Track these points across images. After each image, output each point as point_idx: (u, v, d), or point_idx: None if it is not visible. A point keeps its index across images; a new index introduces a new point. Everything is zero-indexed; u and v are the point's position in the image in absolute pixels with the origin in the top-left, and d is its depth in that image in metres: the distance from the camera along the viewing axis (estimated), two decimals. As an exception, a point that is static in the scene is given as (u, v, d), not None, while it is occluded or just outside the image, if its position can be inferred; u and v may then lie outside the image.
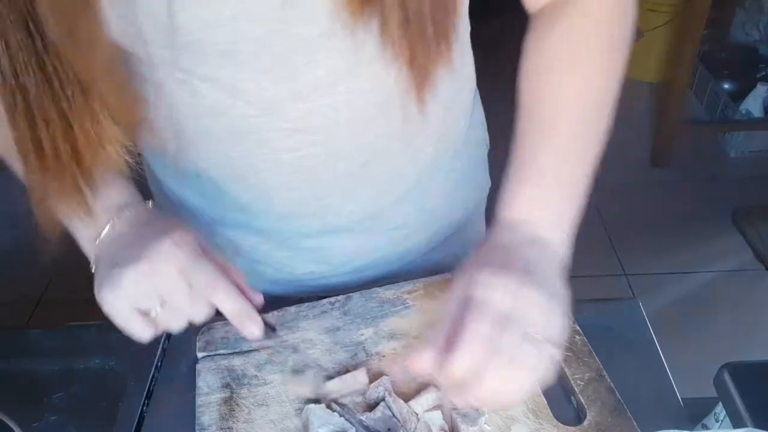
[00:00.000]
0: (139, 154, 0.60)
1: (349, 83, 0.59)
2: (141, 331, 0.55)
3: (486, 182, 0.85)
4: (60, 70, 0.49)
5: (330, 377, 0.62)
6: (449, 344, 0.49)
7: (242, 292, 0.57)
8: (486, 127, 0.84)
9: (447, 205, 0.78)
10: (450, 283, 0.54)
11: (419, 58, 0.53)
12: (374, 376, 0.62)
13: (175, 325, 0.56)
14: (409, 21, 0.50)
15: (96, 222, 0.58)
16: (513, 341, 0.48)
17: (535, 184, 0.57)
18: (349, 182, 0.68)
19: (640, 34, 2.89)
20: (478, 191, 0.84)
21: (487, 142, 0.84)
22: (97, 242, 0.57)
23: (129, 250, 0.55)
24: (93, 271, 0.58)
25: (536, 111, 0.60)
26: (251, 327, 0.57)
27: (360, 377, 0.60)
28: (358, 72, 0.58)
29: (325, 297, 0.71)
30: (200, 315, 0.55)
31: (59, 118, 0.51)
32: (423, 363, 0.50)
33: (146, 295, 0.54)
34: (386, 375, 0.61)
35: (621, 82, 0.61)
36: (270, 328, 0.59)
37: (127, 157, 0.56)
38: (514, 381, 0.49)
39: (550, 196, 0.57)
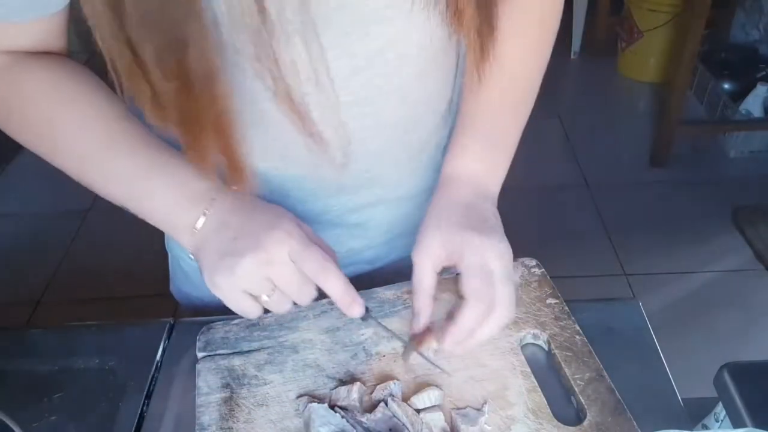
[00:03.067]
0: None
1: (396, 50, 0.61)
2: (251, 312, 0.59)
3: None
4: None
5: (330, 377, 0.62)
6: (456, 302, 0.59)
7: None
8: None
9: None
10: (417, 245, 0.62)
11: (483, 25, 0.58)
12: (374, 377, 0.62)
13: (282, 308, 0.60)
14: None
15: (187, 209, 0.59)
16: (506, 292, 0.58)
17: (482, 146, 0.66)
18: (393, 151, 0.71)
19: (640, 34, 2.89)
20: None
21: None
22: (195, 231, 0.59)
23: (240, 239, 0.58)
24: (193, 258, 0.61)
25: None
26: (356, 308, 0.60)
27: (353, 393, 0.60)
28: (407, 38, 0.61)
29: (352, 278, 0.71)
30: (307, 299, 0.59)
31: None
32: (419, 326, 0.62)
33: (260, 282, 0.57)
34: (396, 380, 0.61)
35: (549, 53, 0.70)
36: (367, 310, 0.62)
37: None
38: (508, 316, 0.59)
39: (492, 156, 0.67)
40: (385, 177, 0.73)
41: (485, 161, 0.66)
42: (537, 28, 0.69)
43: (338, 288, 0.58)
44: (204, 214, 0.59)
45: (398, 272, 0.74)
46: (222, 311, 0.62)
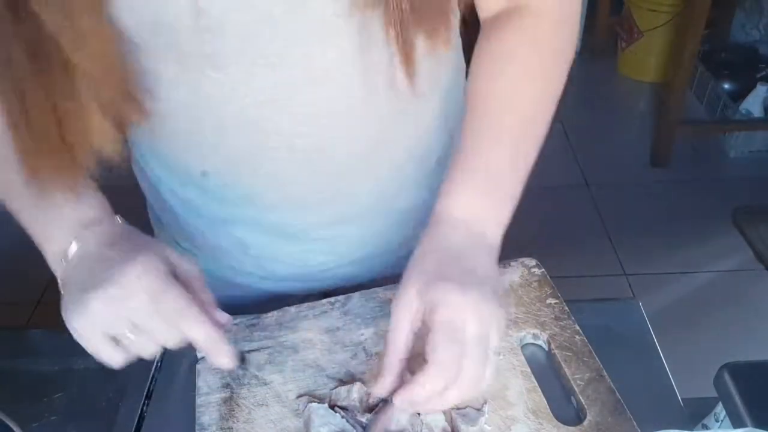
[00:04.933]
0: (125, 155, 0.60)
1: (360, 63, 0.59)
2: (111, 358, 0.54)
3: None
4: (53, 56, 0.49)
5: (330, 377, 0.62)
6: (414, 361, 0.53)
7: (210, 315, 0.56)
8: None
9: None
10: (398, 290, 0.55)
11: (420, 34, 0.55)
12: (374, 377, 0.62)
13: (147, 350, 0.55)
14: None
15: (62, 237, 0.56)
16: (478, 360, 0.51)
17: (477, 184, 0.59)
18: (362, 165, 0.68)
19: (640, 34, 2.89)
20: None
21: None
22: (64, 261, 0.56)
23: (97, 273, 0.53)
24: (62, 292, 0.56)
25: (482, 114, 0.61)
26: (221, 358, 0.56)
27: (353, 393, 0.60)
28: (368, 51, 0.58)
29: (332, 290, 0.71)
30: (172, 341, 0.54)
31: (46, 99, 0.51)
32: (384, 389, 0.54)
33: (116, 320, 0.52)
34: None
35: (562, 88, 0.63)
36: (239, 358, 0.59)
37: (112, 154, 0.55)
38: (474, 388, 0.52)
39: (489, 196, 0.59)
40: (352, 195, 0.70)
41: (481, 202, 0.58)
42: (546, 60, 0.63)
43: (196, 334, 0.53)
44: (74, 243, 0.55)
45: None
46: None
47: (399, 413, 0.56)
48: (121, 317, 0.52)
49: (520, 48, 0.62)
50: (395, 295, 0.54)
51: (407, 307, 0.53)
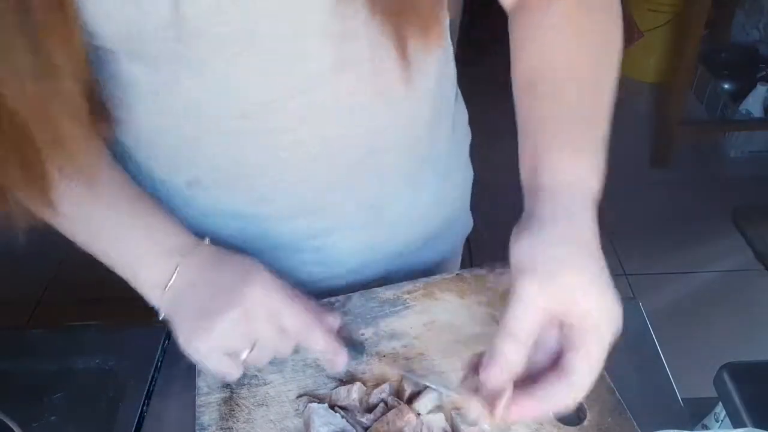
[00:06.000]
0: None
1: (347, 71, 0.58)
2: (232, 373, 0.57)
3: (470, 174, 0.85)
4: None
5: (330, 377, 0.62)
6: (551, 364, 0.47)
7: (323, 319, 0.59)
8: (467, 119, 0.83)
9: (439, 195, 0.78)
10: (499, 275, 0.56)
11: (407, 37, 0.53)
12: (374, 377, 0.62)
13: (263, 362, 0.59)
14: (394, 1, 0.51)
15: (161, 265, 0.57)
16: (599, 366, 0.46)
17: (568, 149, 0.53)
18: (352, 175, 0.67)
19: (640, 34, 2.89)
20: (464, 183, 0.84)
21: (470, 134, 0.84)
22: (167, 289, 0.57)
23: (215, 297, 0.56)
24: (162, 317, 0.58)
25: (547, 86, 0.56)
26: (338, 365, 0.59)
27: (353, 393, 0.60)
28: (355, 59, 0.57)
29: (324, 298, 0.71)
30: (288, 352, 0.58)
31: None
32: (499, 377, 0.46)
33: (240, 340, 0.55)
34: (389, 381, 0.61)
35: (620, 50, 0.58)
36: (358, 351, 0.62)
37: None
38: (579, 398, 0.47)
39: (584, 156, 0.53)
40: (345, 203, 0.70)
41: (580, 162, 0.52)
42: (603, 20, 0.58)
43: (319, 346, 0.57)
44: (175, 271, 0.57)
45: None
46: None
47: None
48: (245, 337, 0.55)
49: (560, 20, 0.57)
50: (511, 296, 0.47)
51: (534, 309, 0.46)
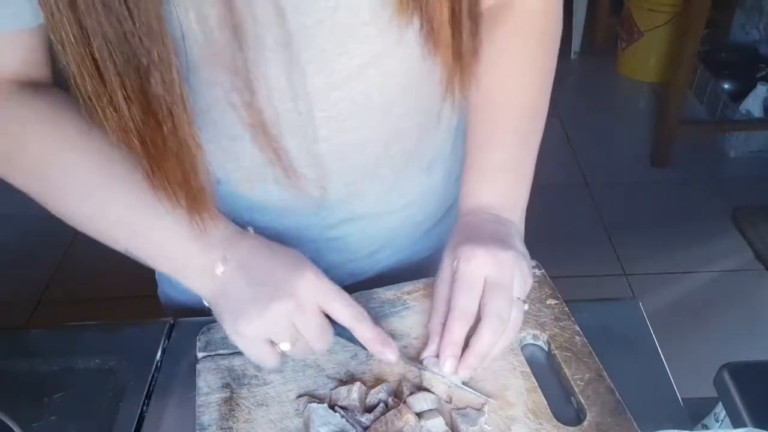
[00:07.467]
0: None
1: (379, 67, 0.60)
2: (271, 360, 0.59)
3: None
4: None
5: (330, 377, 0.62)
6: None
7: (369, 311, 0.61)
8: None
9: (448, 177, 0.80)
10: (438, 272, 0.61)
11: (464, 44, 0.58)
12: (374, 377, 0.62)
13: (303, 354, 0.61)
14: (452, 12, 0.55)
15: (210, 253, 0.58)
16: (502, 304, 0.57)
17: (492, 176, 0.65)
18: (373, 165, 0.69)
19: (640, 34, 2.89)
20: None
21: None
22: (218, 274, 0.58)
23: (267, 285, 0.57)
24: (207, 303, 0.60)
25: (486, 109, 0.66)
26: (388, 354, 0.60)
27: (353, 393, 0.60)
28: (389, 55, 0.60)
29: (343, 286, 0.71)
30: (326, 345, 0.60)
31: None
32: (431, 351, 0.59)
33: (286, 328, 0.57)
34: (387, 382, 0.61)
35: (553, 74, 0.69)
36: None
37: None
38: (505, 336, 0.58)
39: (505, 184, 0.66)
40: (366, 192, 0.72)
41: (505, 191, 0.65)
42: (535, 49, 0.67)
43: (368, 334, 0.59)
44: (224, 260, 0.58)
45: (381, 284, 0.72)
46: (208, 313, 0.62)
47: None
48: (290, 326, 0.57)
49: (508, 41, 0.66)
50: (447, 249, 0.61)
51: (442, 271, 0.60)
